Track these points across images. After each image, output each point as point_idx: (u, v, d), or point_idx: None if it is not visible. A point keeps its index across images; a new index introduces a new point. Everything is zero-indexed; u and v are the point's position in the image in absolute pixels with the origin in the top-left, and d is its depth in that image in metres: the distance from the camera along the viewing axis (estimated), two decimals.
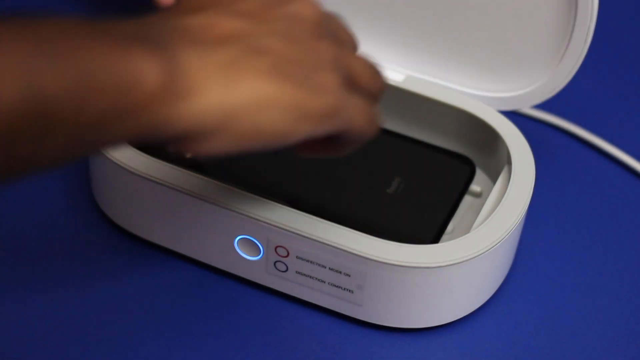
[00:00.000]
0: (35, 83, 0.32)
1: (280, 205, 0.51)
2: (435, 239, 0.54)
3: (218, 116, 0.37)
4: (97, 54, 0.34)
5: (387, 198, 0.56)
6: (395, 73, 0.59)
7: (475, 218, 0.54)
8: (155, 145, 0.38)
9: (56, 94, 0.32)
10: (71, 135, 0.34)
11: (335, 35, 0.43)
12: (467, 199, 0.58)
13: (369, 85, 0.43)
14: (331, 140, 0.43)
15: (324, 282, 0.52)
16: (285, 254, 0.51)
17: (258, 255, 0.52)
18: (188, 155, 0.56)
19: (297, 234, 0.50)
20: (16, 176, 0.34)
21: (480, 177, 0.59)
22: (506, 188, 0.53)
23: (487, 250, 0.50)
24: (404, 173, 0.57)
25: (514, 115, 0.63)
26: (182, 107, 0.36)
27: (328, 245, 0.50)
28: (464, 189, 0.57)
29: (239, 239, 0.52)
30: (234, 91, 0.37)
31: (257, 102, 0.38)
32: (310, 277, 0.52)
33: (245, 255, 0.53)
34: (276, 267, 0.52)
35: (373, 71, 0.44)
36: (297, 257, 0.51)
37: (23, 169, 0.34)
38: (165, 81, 0.35)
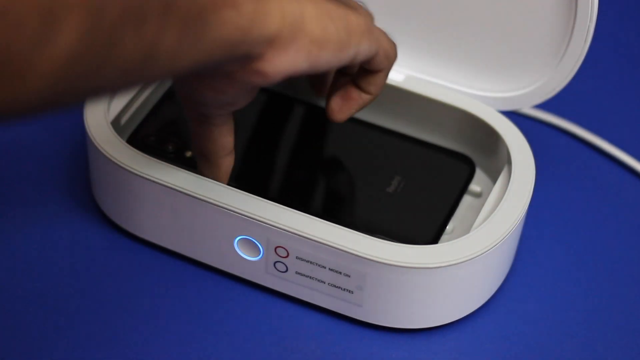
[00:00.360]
0: None
1: (280, 205, 0.51)
2: (434, 238, 0.54)
3: (293, 20, 0.41)
4: None
5: (387, 197, 0.56)
6: (395, 73, 0.59)
7: (475, 218, 0.54)
8: (237, 70, 0.42)
9: None
10: (186, 19, 0.36)
11: None
12: (467, 199, 0.58)
13: (367, 15, 0.49)
14: (364, 75, 0.49)
15: (324, 283, 0.51)
16: (285, 254, 0.51)
17: (258, 256, 0.52)
18: (188, 155, 0.56)
19: (297, 234, 0.50)
20: (139, 74, 0.36)
21: (480, 177, 0.59)
22: (506, 188, 0.53)
23: (487, 250, 0.50)
24: (404, 172, 0.57)
25: (514, 115, 0.63)
26: (267, 6, 0.40)
27: (328, 245, 0.50)
28: (464, 188, 0.57)
29: (239, 239, 0.52)
30: (299, 1, 0.42)
31: (318, 12, 0.43)
32: (310, 277, 0.52)
33: (245, 255, 0.53)
34: (276, 268, 0.52)
35: (361, 5, 0.50)
36: (297, 257, 0.51)
37: (146, 62, 0.35)
38: None
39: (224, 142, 0.50)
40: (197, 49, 0.38)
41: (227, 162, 0.51)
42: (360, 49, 0.45)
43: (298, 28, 0.42)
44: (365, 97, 0.51)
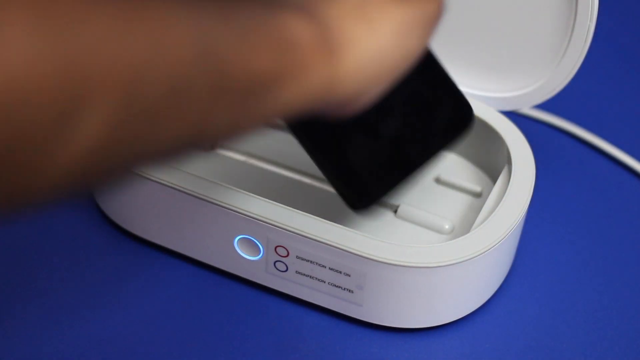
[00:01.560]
0: (205, 39, 0.31)
1: (280, 205, 0.51)
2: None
3: (373, 60, 0.38)
4: (255, 14, 0.34)
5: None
6: None
7: (475, 218, 0.54)
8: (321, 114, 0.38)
9: (226, 48, 0.32)
10: (243, 94, 0.33)
11: None
12: (467, 199, 0.58)
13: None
14: None
15: (324, 282, 0.52)
16: (285, 253, 0.51)
17: (258, 255, 0.52)
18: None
19: (297, 233, 0.50)
20: (185, 146, 0.33)
21: (480, 177, 0.59)
22: (506, 188, 0.53)
23: (487, 250, 0.50)
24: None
25: (514, 115, 0.63)
26: (341, 64, 0.36)
27: (328, 245, 0.50)
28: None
29: (239, 238, 0.52)
30: (378, 26, 0.38)
31: (400, 27, 0.38)
32: (310, 277, 0.52)
33: (245, 255, 0.53)
34: (276, 267, 0.52)
35: None
36: (297, 257, 0.51)
37: (193, 138, 0.32)
38: (319, 37, 0.36)
39: None
40: (263, 113, 0.35)
41: None
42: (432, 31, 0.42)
43: (378, 64, 0.38)
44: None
